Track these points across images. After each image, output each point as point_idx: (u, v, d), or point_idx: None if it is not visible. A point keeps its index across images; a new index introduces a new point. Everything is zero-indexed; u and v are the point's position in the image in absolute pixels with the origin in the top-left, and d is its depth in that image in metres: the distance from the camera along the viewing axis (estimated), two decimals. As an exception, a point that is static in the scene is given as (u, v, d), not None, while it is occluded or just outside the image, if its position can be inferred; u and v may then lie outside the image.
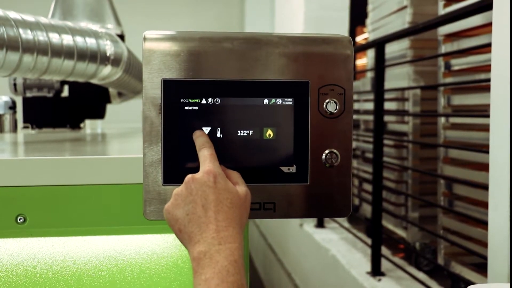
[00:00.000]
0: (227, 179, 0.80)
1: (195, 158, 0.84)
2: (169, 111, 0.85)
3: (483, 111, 2.15)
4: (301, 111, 0.87)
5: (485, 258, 1.53)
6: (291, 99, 0.87)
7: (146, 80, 0.84)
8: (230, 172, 0.83)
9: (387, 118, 2.87)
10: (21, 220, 1.00)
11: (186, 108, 0.85)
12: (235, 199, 0.78)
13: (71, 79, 1.69)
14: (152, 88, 0.84)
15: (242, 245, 0.76)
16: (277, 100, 0.87)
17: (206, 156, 0.81)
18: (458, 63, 2.27)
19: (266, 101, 0.86)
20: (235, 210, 0.78)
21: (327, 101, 0.87)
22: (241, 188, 0.81)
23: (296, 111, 0.87)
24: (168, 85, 0.84)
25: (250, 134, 0.86)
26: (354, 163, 3.25)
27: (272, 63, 0.86)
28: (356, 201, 3.25)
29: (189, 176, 0.79)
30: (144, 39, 0.85)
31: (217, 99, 0.86)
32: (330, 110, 0.87)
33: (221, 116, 0.86)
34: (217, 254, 0.73)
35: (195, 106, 0.85)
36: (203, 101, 0.85)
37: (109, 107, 2.82)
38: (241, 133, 0.86)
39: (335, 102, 0.87)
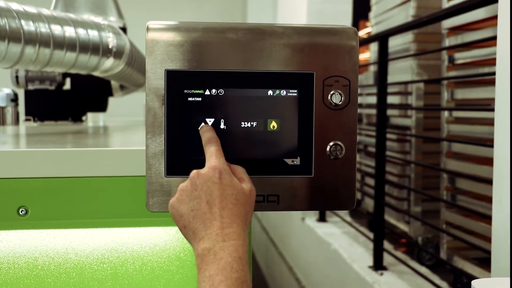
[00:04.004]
0: (233, 175, 0.79)
1: (198, 149, 0.83)
2: (173, 102, 0.84)
3: (487, 105, 2.14)
4: (306, 103, 0.86)
5: (488, 252, 1.53)
6: (295, 91, 0.86)
7: (149, 70, 0.84)
8: (235, 167, 0.83)
9: (390, 112, 2.86)
10: (22, 212, 1.00)
11: (190, 99, 0.84)
12: (240, 195, 0.78)
13: (73, 71, 1.68)
14: (155, 78, 0.84)
15: (246, 241, 0.75)
16: (282, 92, 0.86)
17: (212, 152, 0.80)
18: (461, 56, 2.26)
19: (270, 92, 0.86)
20: (240, 206, 0.77)
21: (332, 92, 0.86)
22: (246, 185, 0.80)
23: (300, 103, 0.86)
24: (171, 76, 0.84)
25: (254, 126, 0.86)
26: (357, 157, 3.25)
27: (277, 54, 0.85)
28: (359, 195, 3.24)
29: (194, 171, 0.78)
30: (147, 29, 0.84)
31: (221, 90, 0.85)
32: (335, 101, 0.86)
33: (225, 107, 0.85)
34: (221, 251, 0.72)
35: (198, 97, 0.84)
36: (207, 92, 0.85)
37: (111, 100, 2.81)
38: (245, 124, 0.86)
39: (340, 93, 0.86)
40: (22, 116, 2.58)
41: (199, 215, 0.76)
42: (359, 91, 3.42)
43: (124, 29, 2.48)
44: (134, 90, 2.86)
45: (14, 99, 2.44)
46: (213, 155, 0.80)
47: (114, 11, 2.52)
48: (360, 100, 3.29)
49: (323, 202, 0.89)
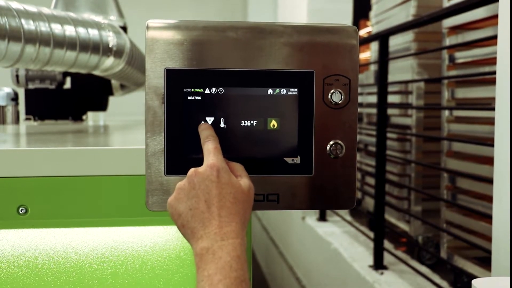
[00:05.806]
0: (231, 173, 0.79)
1: (198, 148, 0.83)
2: (172, 101, 0.84)
3: (487, 104, 2.14)
4: (306, 102, 0.86)
5: (488, 251, 1.52)
6: (295, 89, 0.86)
7: (149, 69, 0.83)
8: (233, 164, 0.82)
9: (390, 111, 2.86)
10: (22, 211, 1.00)
11: (190, 97, 0.84)
12: (238, 193, 0.77)
13: (73, 70, 1.68)
14: (155, 77, 0.83)
15: (245, 240, 0.75)
16: (282, 90, 0.85)
17: (210, 150, 0.80)
18: (462, 56, 2.26)
19: (270, 91, 0.85)
20: (238, 205, 0.77)
21: (332, 91, 0.86)
22: (245, 182, 0.79)
23: (300, 102, 0.86)
24: (171, 74, 0.83)
25: (254, 125, 0.85)
26: (357, 156, 3.24)
27: (277, 53, 0.85)
28: (359, 195, 3.24)
29: (192, 170, 0.78)
30: (147, 27, 0.84)
31: (220, 89, 0.85)
32: (335, 100, 0.86)
33: (224, 106, 0.85)
34: (220, 250, 0.72)
35: (198, 95, 0.84)
36: (207, 91, 0.84)
37: (112, 100, 2.81)
38: (245, 123, 0.85)
39: (340, 92, 0.86)
40: (22, 115, 2.58)
41: (197, 214, 0.76)
42: (359, 90, 3.42)
43: (124, 28, 2.48)
44: (135, 89, 2.86)
45: (15, 98, 2.44)
46: (211, 153, 0.79)
47: (114, 10, 2.52)
48: (360, 99, 3.29)
49: (323, 201, 0.89)
